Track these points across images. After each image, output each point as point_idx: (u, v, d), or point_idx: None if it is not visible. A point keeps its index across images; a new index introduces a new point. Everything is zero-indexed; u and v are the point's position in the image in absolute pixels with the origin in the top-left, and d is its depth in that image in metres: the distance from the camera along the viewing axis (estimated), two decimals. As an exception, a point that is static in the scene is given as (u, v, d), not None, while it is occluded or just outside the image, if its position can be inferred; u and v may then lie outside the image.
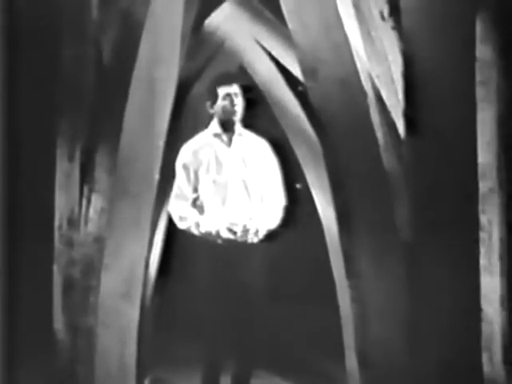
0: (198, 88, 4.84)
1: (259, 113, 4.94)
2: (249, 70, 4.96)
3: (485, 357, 2.23)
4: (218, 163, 4.47)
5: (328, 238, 4.62)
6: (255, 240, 4.45)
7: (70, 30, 3.55)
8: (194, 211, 4.44)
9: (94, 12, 3.52)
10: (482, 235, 2.29)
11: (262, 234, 4.44)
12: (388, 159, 2.50)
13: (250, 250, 4.50)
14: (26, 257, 4.20)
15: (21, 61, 3.71)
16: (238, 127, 4.47)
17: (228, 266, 4.48)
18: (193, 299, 4.73)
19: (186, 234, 4.55)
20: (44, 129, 3.79)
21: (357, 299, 2.56)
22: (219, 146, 4.47)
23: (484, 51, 2.22)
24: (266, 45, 4.93)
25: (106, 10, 3.53)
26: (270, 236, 4.53)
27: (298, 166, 4.98)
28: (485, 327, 2.26)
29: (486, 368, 2.22)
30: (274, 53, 4.92)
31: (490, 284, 2.27)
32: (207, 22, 4.78)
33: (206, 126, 4.58)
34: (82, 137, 3.64)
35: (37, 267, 3.99)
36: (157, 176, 3.65)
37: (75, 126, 3.64)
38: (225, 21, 4.89)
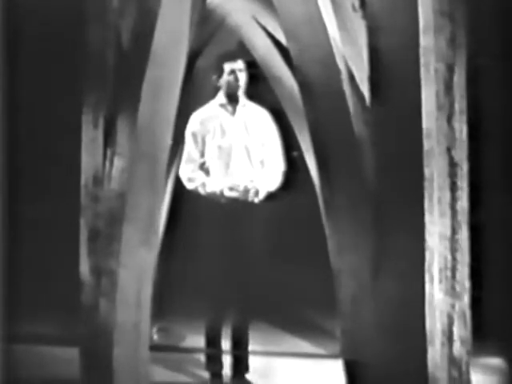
0: (201, 63, 5.33)
1: (262, 85, 5.29)
2: (248, 46, 5.36)
3: (427, 276, 2.90)
4: (223, 130, 4.91)
5: (320, 199, 4.81)
6: (255, 200, 4.90)
7: (93, 17, 4.01)
8: (201, 173, 4.90)
9: (115, 1, 3.99)
10: (426, 184, 2.90)
11: (261, 195, 4.90)
12: (357, 124, 3.06)
13: (251, 208, 4.91)
14: (55, 211, 4.72)
15: (52, 43, 4.22)
16: (242, 99, 4.91)
17: (230, 223, 4.90)
18: (197, 254, 5.05)
19: (192, 193, 4.94)
20: (71, 100, 4.16)
21: (333, 236, 3.21)
22: (224, 115, 4.92)
23: (425, 40, 2.92)
24: (263, 22, 5.33)
25: (125, -1, 3.99)
26: (270, 197, 4.97)
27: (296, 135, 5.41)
28: (427, 254, 2.89)
29: (426, 286, 2.89)
30: (270, 29, 5.32)
31: (431, 221, 2.93)
32: (208, 0, 5.13)
33: (211, 97, 4.99)
34: (105, 107, 3.99)
35: (65, 220, 4.53)
36: (169, 141, 4.04)
37: (99, 98, 4.00)
38: (224, -1, 5.25)
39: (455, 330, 2.89)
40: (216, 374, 5.08)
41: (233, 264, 4.99)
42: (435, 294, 2.87)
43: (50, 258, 4.68)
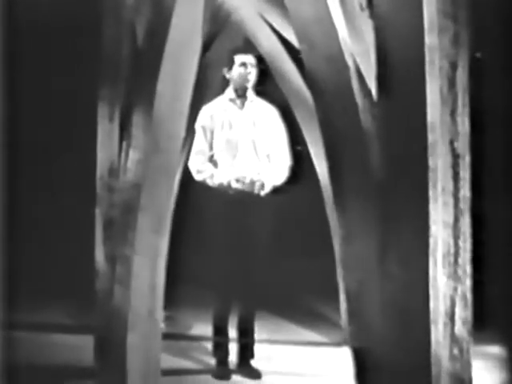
0: (208, 58, 5.27)
1: (269, 82, 5.44)
2: (254, 42, 5.40)
3: (431, 261, 3.01)
4: (231, 124, 5.09)
5: (324, 192, 5.25)
6: (261, 193, 5.08)
7: (109, 14, 4.18)
8: (210, 165, 5.09)
9: (130, -2, 4.16)
10: (430, 174, 3.03)
11: (267, 188, 5.09)
12: (364, 118, 3.18)
13: (258, 201, 5.10)
14: (71, 202, 4.86)
15: (69, 39, 4.37)
16: (251, 94, 5.13)
17: (238, 215, 5.08)
18: (204, 244, 5.25)
19: (200, 184, 5.14)
20: (88, 94, 4.41)
21: (341, 225, 3.37)
22: (233, 109, 5.11)
23: (430, 39, 3.10)
24: (268, 18, 5.36)
25: (140, -4, 4.14)
26: (276, 190, 5.16)
27: (301, 130, 5.55)
28: (431, 241, 3.01)
29: (430, 270, 3.00)
30: (276, 26, 5.35)
31: (435, 209, 3.04)
32: (216, -4, 5.22)
33: (220, 91, 5.19)
34: (121, 101, 4.14)
35: (81, 210, 4.69)
36: (183, 134, 4.20)
37: (115, 92, 4.15)
38: (231, -5, 5.30)
39: (457, 311, 3.07)
40: (223, 360, 5.24)
41: (239, 254, 5.14)
42: (439, 278, 3.03)
43: (67, 246, 4.79)
